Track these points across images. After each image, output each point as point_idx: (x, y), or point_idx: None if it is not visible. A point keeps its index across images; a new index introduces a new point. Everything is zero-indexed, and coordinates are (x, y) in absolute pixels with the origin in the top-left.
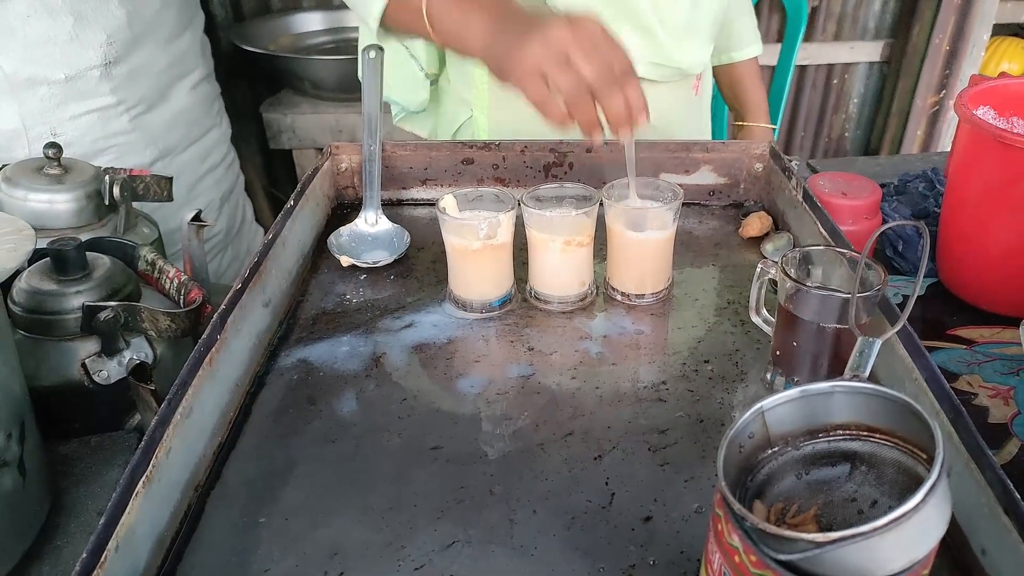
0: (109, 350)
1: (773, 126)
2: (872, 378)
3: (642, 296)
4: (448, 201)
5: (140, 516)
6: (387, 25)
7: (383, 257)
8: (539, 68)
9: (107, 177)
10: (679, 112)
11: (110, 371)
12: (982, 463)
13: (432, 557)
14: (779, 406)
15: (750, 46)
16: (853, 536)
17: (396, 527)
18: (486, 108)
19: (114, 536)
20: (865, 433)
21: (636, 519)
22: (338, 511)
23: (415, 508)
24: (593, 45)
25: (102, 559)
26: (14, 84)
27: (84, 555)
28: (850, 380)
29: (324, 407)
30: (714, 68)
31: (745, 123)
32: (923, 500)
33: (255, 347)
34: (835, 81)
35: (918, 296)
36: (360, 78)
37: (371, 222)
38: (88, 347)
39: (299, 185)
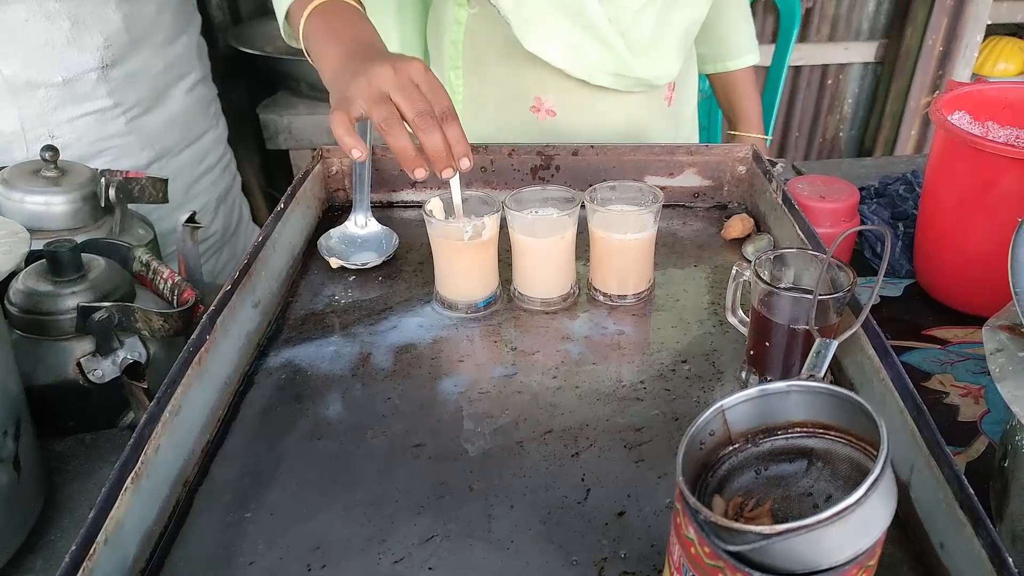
0: (103, 350)
1: (766, 136)
2: (843, 377)
3: (624, 297)
4: (435, 204)
5: (129, 511)
6: (289, 29)
7: (372, 259)
8: (354, 103)
9: (103, 179)
10: (650, 123)
11: (104, 370)
12: (940, 460)
13: (411, 550)
14: (739, 404)
15: (745, 55)
16: (798, 528)
17: (378, 522)
18: (460, 113)
19: (103, 530)
20: (820, 431)
21: (610, 514)
22: (322, 507)
23: (396, 504)
24: (413, 85)
25: (91, 551)
26: (13, 87)
27: (73, 548)
28: (806, 380)
29: (311, 406)
30: (709, 75)
31: (738, 132)
32: (865, 494)
33: (244, 347)
34: (829, 82)
35: (896, 297)
36: None
37: (360, 224)
38: (83, 347)
39: (290, 188)
